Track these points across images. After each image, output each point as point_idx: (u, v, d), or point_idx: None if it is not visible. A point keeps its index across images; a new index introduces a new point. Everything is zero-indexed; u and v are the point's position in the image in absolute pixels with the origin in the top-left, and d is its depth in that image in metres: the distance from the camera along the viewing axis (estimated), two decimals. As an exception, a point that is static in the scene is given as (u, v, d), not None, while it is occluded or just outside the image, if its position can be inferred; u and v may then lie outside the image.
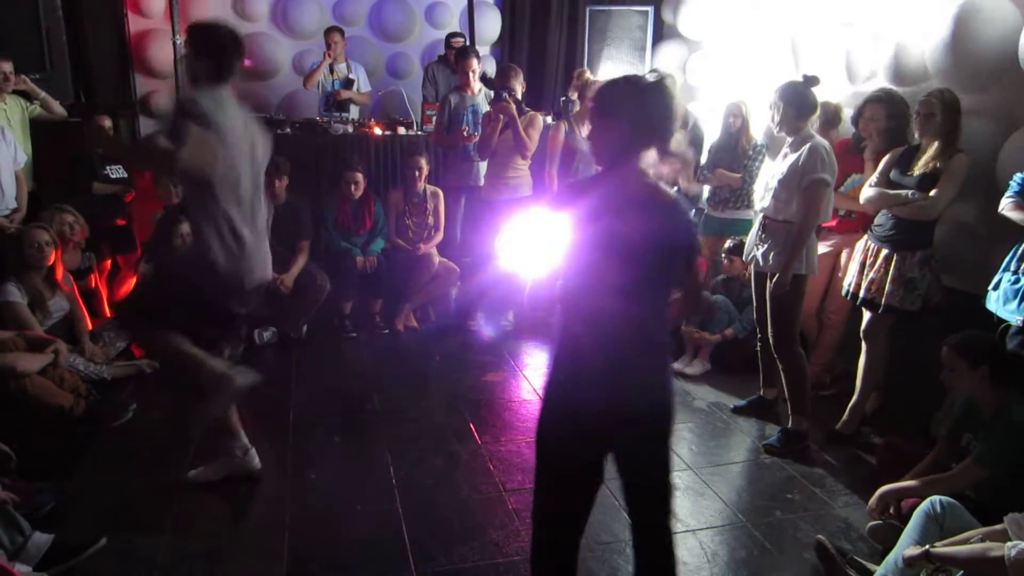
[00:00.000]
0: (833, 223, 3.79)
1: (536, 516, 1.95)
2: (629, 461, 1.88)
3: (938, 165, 3.11)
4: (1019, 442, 2.42)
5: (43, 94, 4.46)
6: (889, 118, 3.51)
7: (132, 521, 2.70)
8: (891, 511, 2.64)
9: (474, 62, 4.84)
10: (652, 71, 1.78)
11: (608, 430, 1.81)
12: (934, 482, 2.51)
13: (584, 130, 4.63)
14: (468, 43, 6.10)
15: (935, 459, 2.68)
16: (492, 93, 4.80)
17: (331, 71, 5.91)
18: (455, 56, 5.32)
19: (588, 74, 4.71)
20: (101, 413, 3.41)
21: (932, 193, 3.11)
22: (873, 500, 2.67)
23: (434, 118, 5.37)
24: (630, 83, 1.75)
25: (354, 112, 5.91)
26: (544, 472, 1.91)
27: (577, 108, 4.69)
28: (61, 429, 3.26)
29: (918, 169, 3.19)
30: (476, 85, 4.93)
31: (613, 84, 1.78)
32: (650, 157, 1.74)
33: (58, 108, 4.55)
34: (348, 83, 5.81)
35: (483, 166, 4.88)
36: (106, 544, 2.49)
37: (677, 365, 4.33)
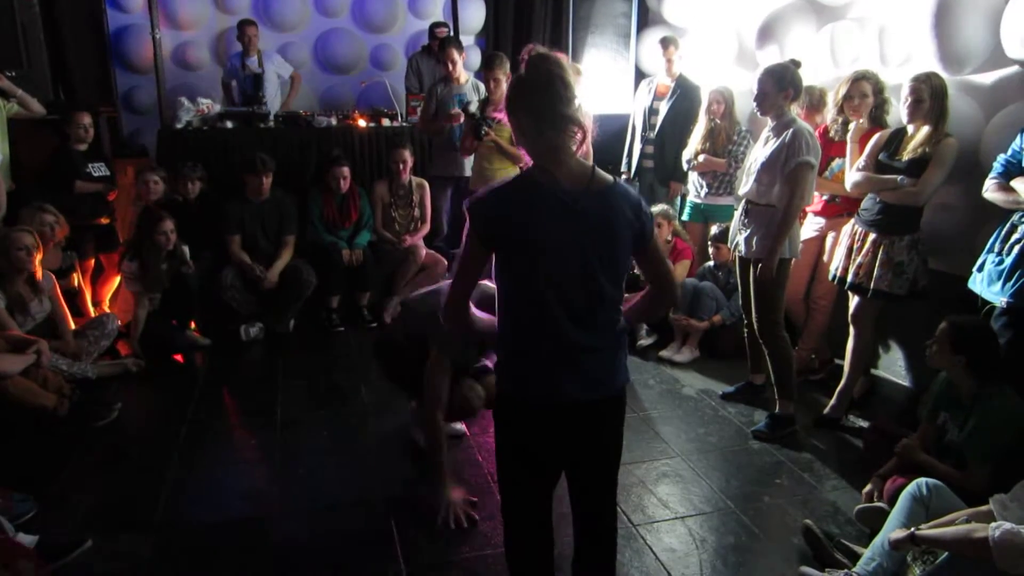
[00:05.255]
0: (819, 207, 3.80)
1: (505, 508, 1.93)
2: (577, 453, 1.86)
3: (927, 150, 3.10)
4: (1003, 426, 2.44)
5: (20, 92, 4.38)
6: (876, 94, 3.51)
7: (118, 521, 2.69)
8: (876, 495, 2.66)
9: (454, 53, 4.80)
10: (538, 52, 1.72)
11: (560, 421, 1.79)
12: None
13: None
14: (452, 33, 6.06)
15: (919, 441, 2.69)
16: (482, 86, 4.76)
17: (243, 66, 5.71)
18: (439, 47, 5.27)
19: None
20: (86, 413, 3.38)
21: (921, 179, 3.10)
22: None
23: (419, 109, 5.34)
24: (515, 77, 1.73)
25: (272, 98, 5.67)
26: (504, 463, 1.88)
27: None
28: (45, 430, 3.23)
29: (907, 154, 3.18)
30: (462, 75, 4.89)
31: (510, 82, 1.76)
32: (555, 133, 1.67)
33: (36, 106, 4.49)
34: (256, 79, 5.53)
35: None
36: (92, 545, 2.47)
37: (665, 353, 4.34)
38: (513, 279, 1.74)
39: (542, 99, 1.67)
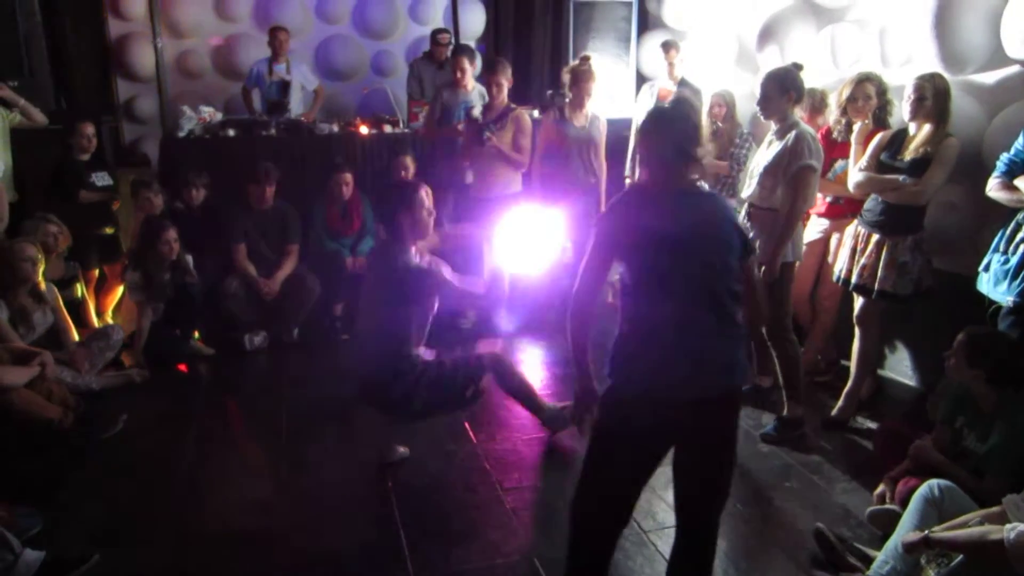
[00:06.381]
0: (822, 209, 3.79)
1: (584, 512, 1.99)
2: (693, 451, 1.93)
3: (929, 150, 3.10)
4: None
5: (22, 101, 4.38)
6: (879, 95, 3.52)
7: (125, 535, 2.67)
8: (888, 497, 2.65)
9: (464, 61, 4.79)
10: (678, 93, 1.98)
11: (683, 420, 1.86)
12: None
13: (577, 119, 4.58)
14: (453, 39, 6.06)
15: (934, 443, 2.67)
16: (485, 91, 4.76)
17: (270, 73, 5.71)
18: (451, 55, 5.26)
19: (590, 61, 4.65)
20: (91, 425, 3.35)
21: (923, 178, 3.10)
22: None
23: (420, 115, 5.34)
24: (663, 112, 2.09)
25: (296, 108, 5.68)
26: (608, 466, 1.94)
27: (570, 97, 4.64)
28: (50, 443, 3.21)
29: (909, 154, 3.18)
30: (470, 83, 4.88)
31: (650, 112, 2.08)
32: (689, 166, 1.93)
33: (39, 115, 4.49)
34: (284, 85, 5.57)
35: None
36: (100, 560, 2.45)
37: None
38: (639, 280, 1.88)
39: (678, 131, 1.94)
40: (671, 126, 1.96)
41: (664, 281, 1.85)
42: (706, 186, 2.03)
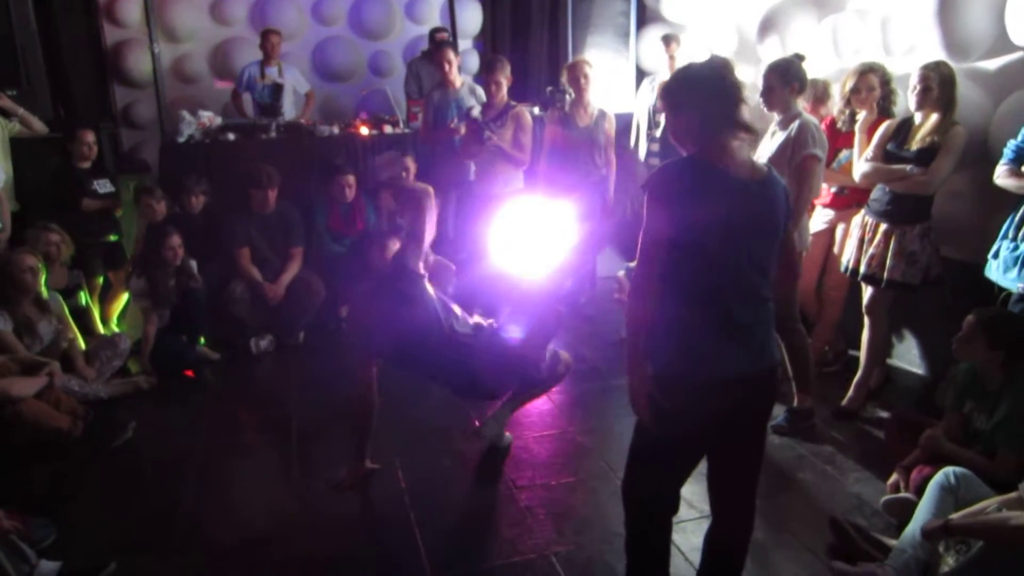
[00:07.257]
0: (828, 199, 3.79)
1: (641, 500, 2.02)
2: (733, 431, 1.92)
3: (936, 139, 3.10)
4: None
5: (21, 110, 4.37)
6: (883, 85, 3.51)
7: (140, 542, 2.66)
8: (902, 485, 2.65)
9: (449, 54, 4.79)
10: (710, 56, 1.86)
11: (724, 394, 1.82)
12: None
13: (581, 120, 4.58)
14: (451, 37, 6.05)
15: (944, 431, 2.67)
16: (478, 89, 4.75)
17: (262, 75, 5.66)
18: (434, 51, 5.27)
19: (585, 63, 4.69)
20: (101, 433, 3.35)
21: (931, 167, 3.09)
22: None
23: (420, 115, 5.33)
24: (690, 73, 1.81)
25: (287, 112, 5.62)
26: (653, 452, 1.94)
27: (572, 97, 4.64)
28: (61, 452, 3.21)
29: (915, 143, 3.18)
30: (457, 79, 4.88)
31: (675, 78, 1.84)
32: (729, 133, 1.76)
33: (38, 124, 4.47)
34: (277, 89, 5.53)
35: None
36: (116, 568, 2.44)
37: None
38: (686, 257, 1.78)
39: (712, 92, 1.75)
40: (702, 87, 1.75)
41: (706, 272, 1.78)
42: (763, 166, 1.83)
